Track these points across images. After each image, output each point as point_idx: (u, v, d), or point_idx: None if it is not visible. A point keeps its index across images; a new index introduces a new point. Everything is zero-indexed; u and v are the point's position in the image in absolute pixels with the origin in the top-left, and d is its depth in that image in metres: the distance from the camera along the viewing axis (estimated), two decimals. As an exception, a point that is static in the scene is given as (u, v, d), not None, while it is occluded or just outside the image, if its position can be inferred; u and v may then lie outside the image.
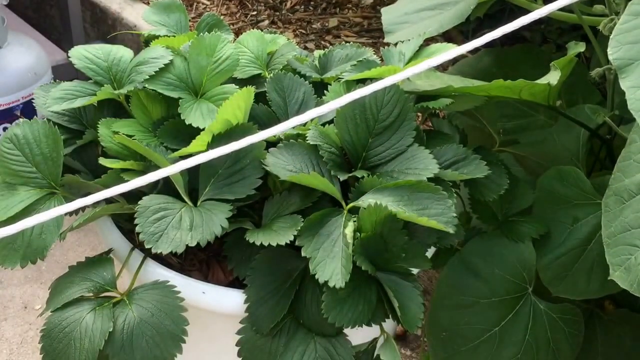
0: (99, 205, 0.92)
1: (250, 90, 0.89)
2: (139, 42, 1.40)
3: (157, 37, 1.09)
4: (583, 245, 1.02)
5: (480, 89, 1.01)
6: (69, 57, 1.00)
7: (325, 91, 1.01)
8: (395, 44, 1.10)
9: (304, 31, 2.16)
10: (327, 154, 0.90)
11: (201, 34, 1.01)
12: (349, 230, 0.82)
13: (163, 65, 0.96)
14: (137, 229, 0.82)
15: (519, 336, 1.03)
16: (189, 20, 1.18)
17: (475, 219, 1.08)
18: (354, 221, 0.84)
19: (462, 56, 1.33)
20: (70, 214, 0.96)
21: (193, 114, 0.93)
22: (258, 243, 0.84)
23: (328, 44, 2.07)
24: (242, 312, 0.87)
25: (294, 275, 0.88)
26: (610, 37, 0.83)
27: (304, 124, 0.96)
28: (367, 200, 0.84)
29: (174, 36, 1.08)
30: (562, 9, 1.25)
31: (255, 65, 1.05)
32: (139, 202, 0.84)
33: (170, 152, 0.91)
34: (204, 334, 0.94)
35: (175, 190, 0.88)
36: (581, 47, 1.05)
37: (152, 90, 0.97)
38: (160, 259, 0.94)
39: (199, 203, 0.88)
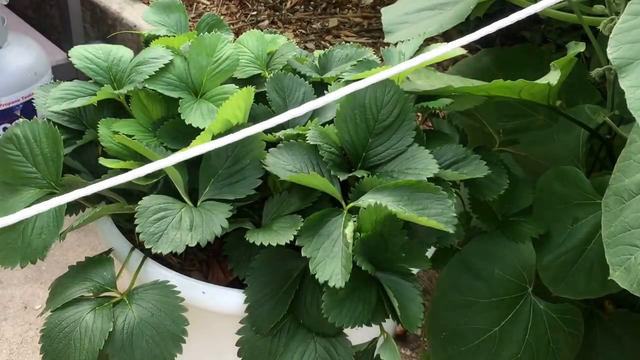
0: (99, 205, 0.92)
1: (250, 91, 0.89)
2: (139, 42, 1.40)
3: (157, 37, 1.09)
4: (583, 245, 1.02)
5: (480, 89, 1.01)
6: (69, 57, 1.00)
7: (325, 91, 1.01)
8: (395, 44, 1.10)
9: (304, 31, 2.16)
10: (327, 154, 0.90)
11: (201, 34, 1.01)
12: (349, 230, 0.82)
13: (163, 65, 0.96)
14: (137, 229, 0.82)
15: (519, 336, 1.03)
16: (189, 20, 1.18)
17: (475, 219, 1.08)
18: (354, 221, 0.84)
19: (462, 56, 1.33)
20: (70, 214, 0.96)
21: (193, 114, 0.93)
22: (258, 243, 0.84)
23: (328, 44, 2.07)
24: (242, 312, 0.87)
25: (294, 275, 0.88)
26: (610, 36, 0.83)
27: (304, 124, 0.96)
28: (367, 200, 0.84)
29: (174, 36, 1.08)
30: (562, 9, 1.25)
31: (255, 65, 1.05)
32: (139, 203, 0.84)
33: (170, 152, 0.91)
34: (204, 334, 0.94)
35: (176, 191, 0.88)
36: (581, 47, 1.05)
37: (152, 90, 0.97)
38: (160, 259, 0.94)
39: (199, 203, 0.88)
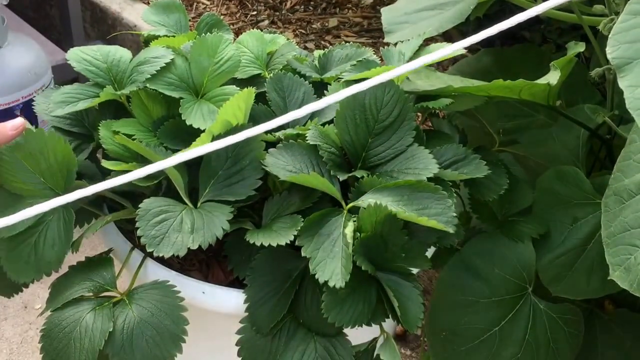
0: (102, 210, 0.91)
1: (250, 92, 0.89)
2: (139, 42, 1.40)
3: (156, 37, 1.09)
4: (583, 245, 1.02)
5: (480, 89, 1.01)
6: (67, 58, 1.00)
7: (325, 91, 1.01)
8: (395, 44, 1.10)
9: (303, 31, 2.16)
10: (327, 154, 0.90)
11: (203, 34, 1.01)
12: (349, 230, 0.82)
13: (164, 65, 0.96)
14: (139, 232, 0.82)
15: (519, 336, 1.03)
16: (189, 20, 1.18)
17: (475, 219, 1.08)
18: (354, 221, 0.84)
19: (462, 56, 1.33)
20: (81, 225, 0.96)
21: (194, 115, 0.93)
22: (258, 243, 0.84)
23: (328, 44, 2.07)
24: (242, 312, 0.87)
25: (293, 275, 0.88)
26: (609, 36, 0.83)
27: (304, 124, 0.96)
28: (367, 200, 0.84)
29: (174, 36, 1.08)
30: (562, 9, 1.25)
31: (255, 66, 1.05)
32: (139, 205, 0.84)
33: (170, 153, 0.91)
34: (204, 334, 0.94)
35: (176, 192, 0.88)
36: (581, 47, 1.05)
37: (153, 90, 0.97)
38: (160, 259, 0.94)
39: (199, 204, 0.88)
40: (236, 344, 0.88)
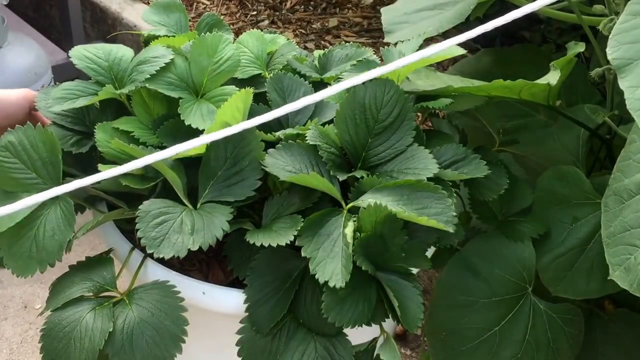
0: (99, 209, 0.91)
1: (248, 92, 0.89)
2: (139, 42, 1.40)
3: (157, 37, 1.09)
4: (583, 245, 1.02)
5: (480, 89, 1.01)
6: (69, 57, 1.00)
7: (325, 91, 1.01)
8: (395, 44, 1.10)
9: (303, 31, 2.16)
10: (327, 154, 0.90)
11: (203, 34, 1.01)
12: (349, 230, 0.82)
13: (164, 65, 0.96)
14: (139, 234, 0.82)
15: (519, 336, 1.03)
16: (189, 20, 1.18)
17: (475, 219, 1.08)
18: (354, 221, 0.84)
19: (462, 56, 1.33)
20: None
21: (193, 115, 0.93)
22: (258, 244, 0.84)
23: (328, 44, 2.07)
24: (242, 312, 0.87)
25: (293, 275, 0.88)
26: (609, 36, 0.83)
27: (304, 124, 0.96)
28: (366, 200, 0.84)
29: (174, 36, 1.08)
30: (562, 9, 1.25)
31: (255, 66, 1.05)
32: (139, 207, 0.84)
33: (169, 153, 0.91)
34: (204, 334, 0.94)
35: (175, 194, 0.88)
36: (581, 47, 1.05)
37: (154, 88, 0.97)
38: (160, 259, 0.94)
39: (198, 205, 0.88)
40: (236, 344, 0.88)
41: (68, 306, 0.88)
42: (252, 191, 0.88)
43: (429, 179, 0.87)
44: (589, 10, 1.15)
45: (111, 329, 0.84)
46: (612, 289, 0.97)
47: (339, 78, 1.03)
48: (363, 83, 0.99)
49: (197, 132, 0.90)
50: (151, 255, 0.86)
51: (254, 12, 2.25)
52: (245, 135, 0.89)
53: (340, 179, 0.90)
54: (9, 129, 0.91)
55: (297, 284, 0.88)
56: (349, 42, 1.26)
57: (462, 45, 0.89)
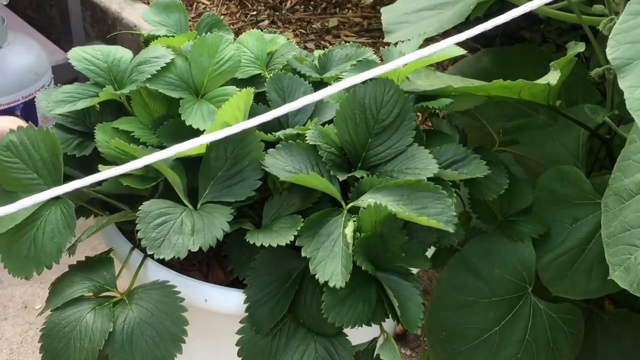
0: (102, 213, 0.91)
1: (249, 92, 0.89)
2: (139, 42, 1.40)
3: (157, 37, 1.09)
4: (583, 245, 1.02)
5: (480, 89, 1.01)
6: (68, 57, 1.00)
7: (325, 91, 1.01)
8: (395, 44, 1.10)
9: (303, 31, 2.16)
10: (327, 154, 0.90)
11: (203, 34, 1.01)
12: (349, 230, 0.82)
13: (164, 65, 0.96)
14: (139, 235, 0.82)
15: (519, 336, 1.03)
16: (189, 20, 1.18)
17: (475, 219, 1.08)
18: (354, 221, 0.84)
19: (462, 56, 1.33)
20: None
21: (193, 115, 0.93)
22: (258, 244, 0.84)
23: (328, 44, 2.07)
24: (242, 312, 0.87)
25: (293, 275, 0.88)
26: (609, 36, 0.83)
27: (304, 124, 0.96)
28: (366, 200, 0.84)
29: (174, 36, 1.08)
30: (561, 9, 1.25)
31: (255, 66, 1.05)
32: (139, 208, 0.84)
33: (170, 153, 0.91)
34: (204, 334, 0.94)
35: (175, 194, 0.88)
36: (581, 47, 1.05)
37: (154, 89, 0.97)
38: (161, 259, 0.94)
39: (198, 206, 0.88)
40: (236, 344, 0.88)
41: (68, 306, 0.88)
42: (252, 191, 0.88)
43: (429, 179, 0.87)
44: (589, 10, 1.15)
45: (111, 329, 0.84)
46: (612, 289, 0.97)
47: (339, 78, 1.03)
48: (363, 83, 1.00)
49: (197, 132, 0.90)
50: (151, 256, 0.86)
51: (254, 12, 2.25)
52: (245, 135, 0.89)
53: (340, 179, 0.90)
54: (9, 129, 0.91)
55: (297, 284, 0.88)
56: (349, 42, 1.26)
57: (462, 45, 0.89)
